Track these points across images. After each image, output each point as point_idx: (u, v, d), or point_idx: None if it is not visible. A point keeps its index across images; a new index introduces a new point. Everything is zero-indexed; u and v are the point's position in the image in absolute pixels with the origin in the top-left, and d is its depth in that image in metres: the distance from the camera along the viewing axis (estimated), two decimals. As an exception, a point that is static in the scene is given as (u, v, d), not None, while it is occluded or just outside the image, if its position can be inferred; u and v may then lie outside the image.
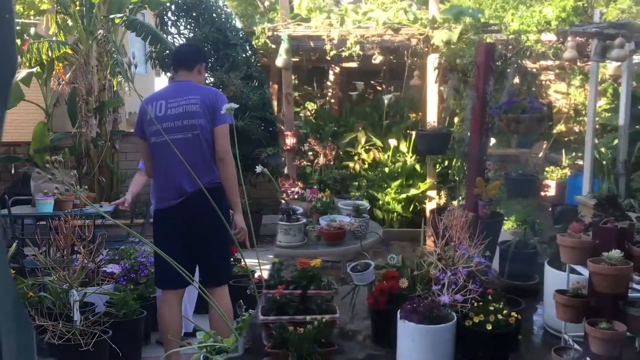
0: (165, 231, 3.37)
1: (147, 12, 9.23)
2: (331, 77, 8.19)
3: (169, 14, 7.98)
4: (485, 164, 4.94)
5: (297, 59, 7.09)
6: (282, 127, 6.63)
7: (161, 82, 11.55)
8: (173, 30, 8.05)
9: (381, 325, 3.79)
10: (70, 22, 7.77)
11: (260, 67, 7.88)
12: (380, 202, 6.45)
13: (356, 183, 6.47)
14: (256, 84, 7.53)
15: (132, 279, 4.07)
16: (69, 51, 7.42)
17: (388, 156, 6.75)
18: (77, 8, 7.49)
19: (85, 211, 4.73)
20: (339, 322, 3.82)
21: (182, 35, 8.09)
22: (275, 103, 7.70)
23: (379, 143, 6.87)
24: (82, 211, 4.66)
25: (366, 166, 6.76)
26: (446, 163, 6.65)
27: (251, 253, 2.35)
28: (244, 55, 7.79)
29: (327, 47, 6.01)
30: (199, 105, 3.31)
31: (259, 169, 2.26)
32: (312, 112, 7.77)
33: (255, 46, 6.33)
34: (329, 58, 6.73)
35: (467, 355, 3.38)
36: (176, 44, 7.95)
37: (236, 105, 2.26)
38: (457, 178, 6.25)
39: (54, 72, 7.59)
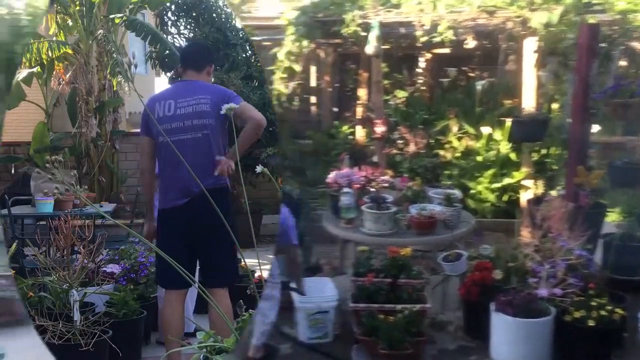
0: (167, 231, 3.39)
1: (147, 12, 9.22)
2: (421, 63, 8.04)
3: (169, 14, 8.02)
4: (588, 152, 4.68)
5: (387, 47, 7.02)
6: (371, 115, 6.60)
7: (161, 82, 11.45)
8: (173, 30, 8.10)
9: (473, 317, 3.71)
10: (70, 22, 7.82)
11: (260, 67, 7.68)
12: (473, 191, 6.27)
13: (447, 172, 6.34)
14: (256, 84, 7.48)
15: (132, 279, 4.09)
16: (69, 51, 7.52)
17: (482, 144, 6.55)
18: (77, 8, 7.56)
19: (85, 211, 4.79)
20: (430, 312, 3.77)
21: (182, 35, 8.10)
22: (365, 91, 7.67)
23: (471, 131, 6.67)
24: (82, 211, 4.72)
25: (458, 154, 6.60)
26: (543, 151, 6.36)
27: (251, 253, 2.34)
28: (244, 55, 7.75)
29: (418, 33, 5.90)
30: (209, 105, 3.30)
31: (259, 169, 2.26)
32: (402, 99, 7.68)
33: (343, 34, 6.32)
34: (419, 44, 6.60)
35: (566, 351, 3.23)
36: (176, 44, 7.95)
37: (236, 105, 2.26)
38: (555, 167, 5.96)
39: (54, 72, 7.65)
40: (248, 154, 5.63)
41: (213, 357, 2.04)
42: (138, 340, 3.91)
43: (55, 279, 3.67)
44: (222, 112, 2.25)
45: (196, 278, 3.40)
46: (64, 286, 3.64)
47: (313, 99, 7.74)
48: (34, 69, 7.66)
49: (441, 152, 6.61)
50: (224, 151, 3.36)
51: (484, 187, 6.23)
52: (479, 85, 6.87)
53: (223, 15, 7.98)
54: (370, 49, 5.89)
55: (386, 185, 4.99)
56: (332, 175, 4.86)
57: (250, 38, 7.51)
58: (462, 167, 6.41)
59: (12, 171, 8.12)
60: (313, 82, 7.72)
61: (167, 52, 7.39)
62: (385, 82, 7.44)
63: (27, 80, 7.65)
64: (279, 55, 6.81)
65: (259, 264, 2.70)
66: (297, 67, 7.01)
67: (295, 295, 3.81)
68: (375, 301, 3.67)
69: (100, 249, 4.09)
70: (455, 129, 6.69)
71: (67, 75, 7.74)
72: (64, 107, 8.05)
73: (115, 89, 7.81)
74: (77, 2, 7.62)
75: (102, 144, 7.61)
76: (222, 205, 2.50)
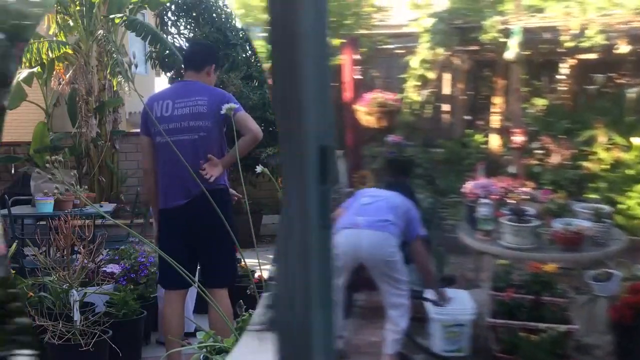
0: (167, 231, 3.37)
1: (147, 12, 9.09)
2: (564, 70, 7.61)
3: (169, 14, 7.94)
4: None
5: (527, 53, 6.73)
6: (508, 124, 6.37)
7: (161, 82, 11.25)
8: (173, 30, 8.00)
9: (625, 342, 3.44)
10: (70, 22, 7.80)
11: (260, 67, 7.40)
12: (623, 206, 5.82)
13: (593, 185, 5.94)
14: (256, 84, 7.25)
15: (132, 279, 4.06)
16: (69, 51, 7.51)
17: (633, 156, 6.07)
18: (77, 8, 7.53)
19: (85, 211, 4.77)
20: (575, 333, 3.55)
21: (182, 35, 7.99)
22: (501, 99, 7.41)
23: (620, 141, 6.21)
24: (82, 211, 4.70)
25: (605, 166, 6.16)
26: None
27: (251, 253, 2.29)
28: (244, 55, 7.55)
29: (563, 38, 5.60)
30: (206, 106, 3.25)
31: (259, 169, 2.21)
32: (542, 108, 7.32)
33: (480, 41, 6.16)
34: (562, 50, 6.25)
35: None
36: (176, 44, 7.83)
37: (236, 105, 2.20)
38: None
39: (54, 72, 7.64)
40: (248, 154, 5.73)
41: (213, 357, 2.03)
42: (138, 340, 3.87)
43: (55, 279, 3.65)
44: (222, 112, 2.26)
45: (196, 278, 3.35)
46: (64, 286, 3.62)
47: (446, 107, 7.61)
48: (34, 69, 7.61)
49: (586, 164, 6.21)
50: (222, 153, 3.35)
51: (635, 202, 5.77)
52: (631, 92, 6.39)
53: (223, 15, 7.91)
54: (510, 54, 5.70)
55: (526, 197, 4.77)
56: (469, 185, 4.72)
57: (383, 46, 7.53)
58: (611, 180, 5.98)
59: (12, 171, 8.06)
60: (446, 90, 7.58)
61: (167, 52, 7.38)
62: (524, 89, 7.13)
63: (27, 80, 7.59)
64: (412, 63, 6.77)
65: (259, 264, 2.66)
66: (431, 75, 6.94)
67: (430, 306, 3.76)
68: (516, 318, 3.52)
69: (100, 249, 4.07)
70: (602, 139, 6.26)
71: (67, 75, 7.67)
72: (64, 107, 7.97)
73: (115, 89, 7.80)
74: (77, 2, 7.58)
75: (102, 144, 7.57)
76: (222, 205, 2.51)
